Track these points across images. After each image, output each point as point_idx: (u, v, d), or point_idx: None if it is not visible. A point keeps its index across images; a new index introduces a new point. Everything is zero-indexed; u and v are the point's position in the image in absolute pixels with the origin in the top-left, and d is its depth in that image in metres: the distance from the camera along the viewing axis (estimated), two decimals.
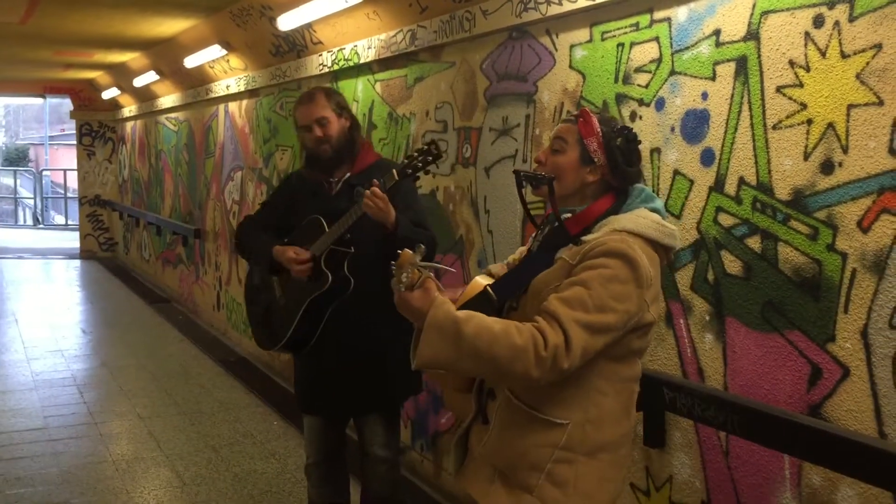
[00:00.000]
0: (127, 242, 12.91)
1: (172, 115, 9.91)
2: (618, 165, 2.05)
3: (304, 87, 5.97)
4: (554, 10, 3.27)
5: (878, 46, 2.17)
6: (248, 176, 7.27)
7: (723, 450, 2.66)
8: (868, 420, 2.23)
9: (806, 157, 2.37)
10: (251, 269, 3.43)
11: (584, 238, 2.00)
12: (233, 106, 7.65)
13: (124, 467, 4.54)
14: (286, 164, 6.35)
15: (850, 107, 2.25)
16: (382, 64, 4.77)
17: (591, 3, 3.08)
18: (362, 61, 4.91)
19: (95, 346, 7.70)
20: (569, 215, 2.07)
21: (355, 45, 4.96)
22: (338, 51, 5.22)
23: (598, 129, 2.05)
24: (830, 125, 2.30)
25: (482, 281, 2.14)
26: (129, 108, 12.09)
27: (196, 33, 7.31)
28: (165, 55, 8.56)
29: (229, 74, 7.41)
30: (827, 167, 2.31)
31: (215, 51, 6.93)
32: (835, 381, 2.32)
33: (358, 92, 5.10)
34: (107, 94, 12.27)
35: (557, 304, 1.87)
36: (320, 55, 5.49)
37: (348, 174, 3.07)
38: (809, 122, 2.36)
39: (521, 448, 2.00)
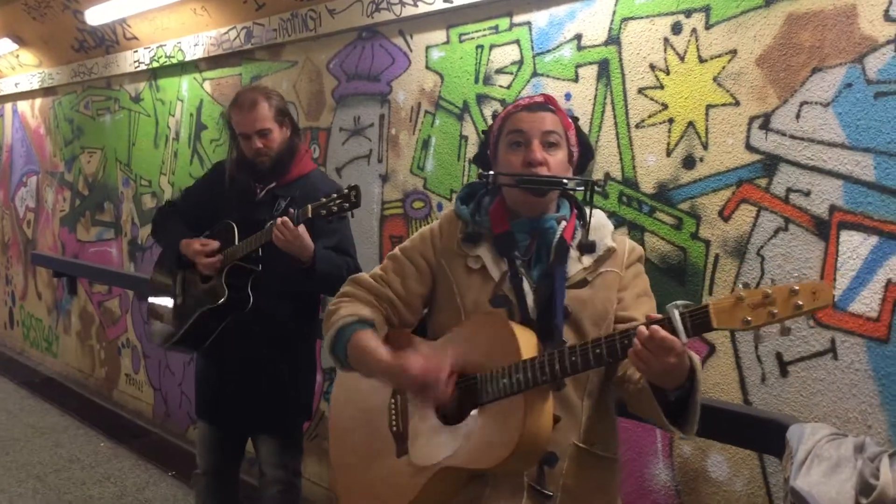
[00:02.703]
0: None
1: None
2: (584, 159, 1.92)
3: (114, 85, 5.62)
4: (409, 11, 3.31)
5: (734, 52, 2.40)
6: (45, 181, 6.71)
7: None
8: (734, 391, 2.47)
9: (668, 153, 2.57)
10: (160, 257, 3.24)
11: (609, 244, 1.85)
12: (23, 105, 7.02)
13: None
14: (94, 167, 5.94)
15: (709, 107, 2.47)
16: (212, 62, 4.59)
17: (448, 5, 3.16)
18: (188, 59, 4.70)
19: None
20: (564, 223, 1.86)
21: (179, 42, 4.73)
22: (157, 47, 4.95)
23: (570, 120, 1.89)
24: (691, 124, 2.51)
25: (526, 337, 1.73)
26: None
27: None
28: None
29: (18, 71, 6.80)
30: (689, 162, 2.53)
31: (3, 45, 6.33)
32: (701, 357, 2.54)
33: (183, 91, 4.87)
34: None
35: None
36: (135, 51, 5.18)
37: (274, 184, 2.88)
38: (671, 121, 2.56)
39: (606, 499, 1.85)
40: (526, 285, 1.79)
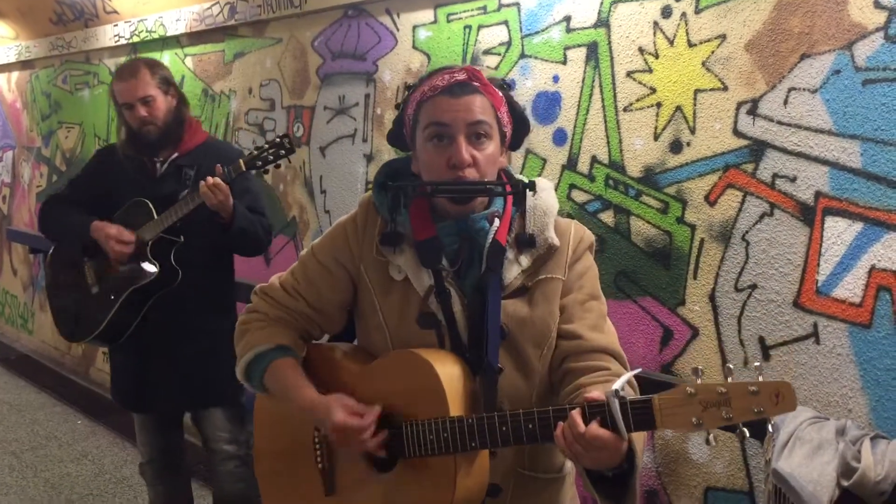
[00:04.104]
0: None
1: None
2: (519, 134, 1.66)
3: (94, 59, 5.54)
4: None
5: (723, 37, 2.41)
6: (21, 156, 6.62)
7: None
8: (716, 374, 2.49)
9: (656, 137, 2.58)
10: (55, 252, 3.11)
11: (549, 240, 1.58)
12: None
13: None
14: (72, 142, 5.86)
15: (697, 91, 2.47)
16: (194, 37, 4.53)
17: None
18: (169, 34, 4.63)
19: None
20: (497, 221, 1.58)
21: (161, 17, 4.66)
22: (138, 22, 4.88)
23: (501, 94, 1.59)
24: (679, 108, 2.52)
25: (456, 379, 1.52)
26: None
27: None
28: None
29: None
30: (676, 147, 2.53)
31: None
32: (685, 341, 2.56)
33: None
34: None
35: (600, 338, 1.58)
36: (115, 25, 5.11)
37: (175, 154, 2.86)
38: (659, 105, 2.57)
39: None
40: (456, 301, 1.56)
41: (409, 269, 1.58)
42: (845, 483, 1.79)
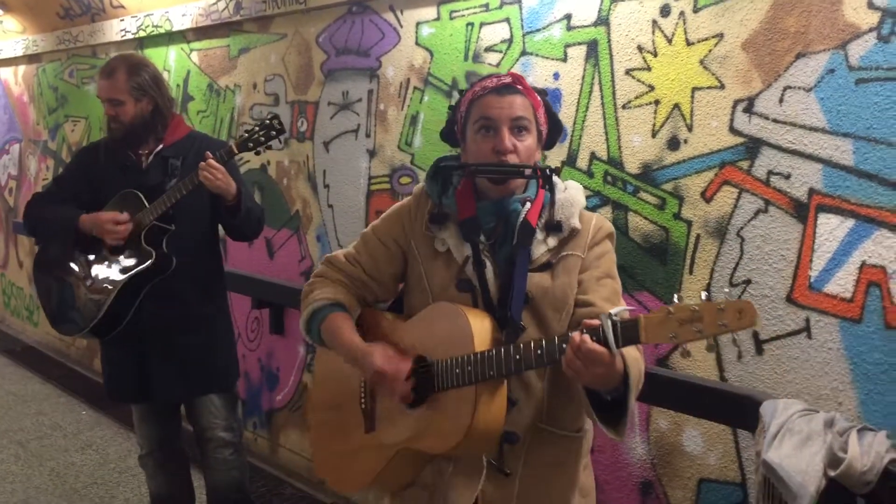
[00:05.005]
0: None
1: None
2: (553, 135, 1.93)
3: (100, 54, 5.59)
4: None
5: (720, 36, 2.44)
6: (28, 149, 6.67)
7: None
8: (710, 368, 2.53)
9: (654, 134, 2.62)
10: (44, 249, 3.14)
11: (573, 224, 1.84)
12: (6, 72, 6.96)
13: None
14: (78, 136, 5.91)
15: (695, 89, 2.51)
16: (200, 32, 4.58)
17: None
18: (175, 29, 4.68)
19: None
20: (529, 205, 1.84)
21: (167, 12, 4.71)
22: (145, 17, 4.92)
23: (539, 99, 1.87)
24: (676, 106, 2.56)
25: (482, 326, 1.77)
26: None
27: None
28: None
29: (1, 38, 6.73)
30: (673, 144, 2.57)
31: None
32: None
33: (170, 61, 4.86)
34: None
35: (612, 308, 1.72)
36: (122, 20, 5.15)
37: (160, 146, 2.93)
38: (657, 102, 2.61)
39: (565, 477, 1.88)
40: (489, 270, 1.82)
41: (452, 242, 1.86)
42: (832, 473, 1.83)
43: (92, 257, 2.93)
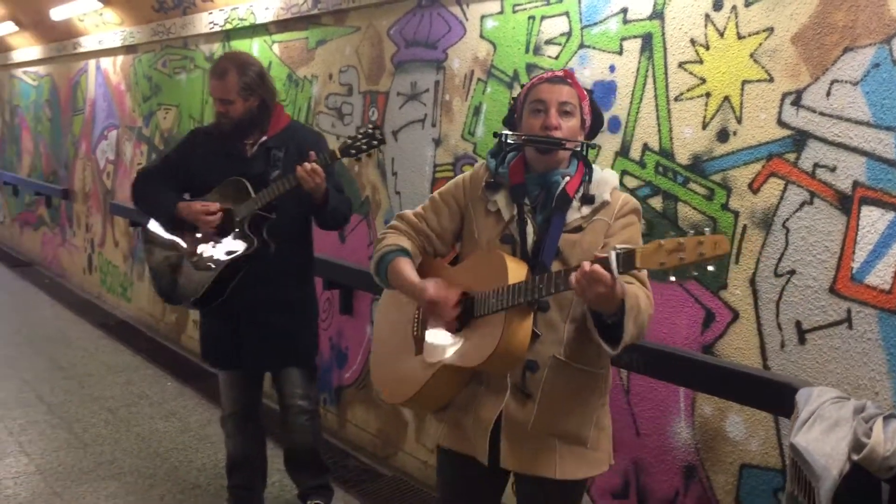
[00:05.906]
0: None
1: (31, 69, 9.39)
2: (595, 127, 2.23)
3: (190, 45, 5.88)
4: None
5: (770, 30, 2.48)
6: (124, 135, 7.07)
7: (624, 388, 2.97)
8: (754, 356, 2.58)
9: (704, 126, 2.67)
10: (149, 223, 3.42)
11: (605, 198, 2.13)
12: (106, 62, 7.38)
13: (17, 430, 4.44)
14: (170, 123, 6.24)
15: (745, 82, 2.56)
16: (281, 25, 4.80)
17: None
18: (259, 22, 4.91)
19: None
20: (568, 178, 2.14)
21: (251, 6, 4.95)
22: (231, 10, 5.18)
23: (585, 92, 2.20)
24: (726, 98, 2.61)
25: (517, 268, 2.07)
26: None
27: None
28: (26, 4, 8.10)
29: (101, 29, 7.14)
30: (723, 136, 2.62)
31: (89, 3, 6.65)
32: (726, 323, 2.66)
33: (254, 53, 5.09)
34: None
35: None
36: (210, 13, 5.43)
37: (264, 138, 3.15)
38: (708, 95, 2.66)
39: (581, 407, 2.16)
40: (529, 228, 2.15)
41: (502, 203, 2.20)
42: (855, 457, 1.88)
43: (199, 236, 3.19)
